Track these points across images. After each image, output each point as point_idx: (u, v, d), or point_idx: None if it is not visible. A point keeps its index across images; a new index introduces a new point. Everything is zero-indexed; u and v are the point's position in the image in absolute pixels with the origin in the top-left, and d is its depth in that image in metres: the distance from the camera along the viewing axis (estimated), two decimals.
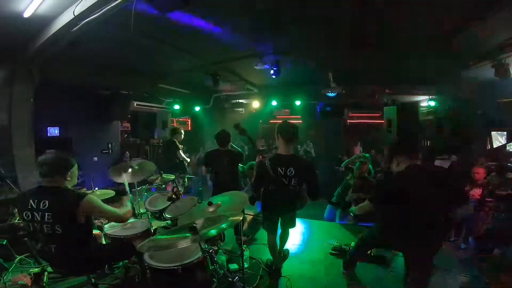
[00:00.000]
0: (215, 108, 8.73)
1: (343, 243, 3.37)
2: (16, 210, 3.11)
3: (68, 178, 2.03)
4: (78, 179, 2.26)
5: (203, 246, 1.91)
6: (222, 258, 2.86)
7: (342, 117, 9.06)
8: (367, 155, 5.45)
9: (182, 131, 5.78)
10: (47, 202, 1.88)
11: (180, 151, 5.48)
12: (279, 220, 2.80)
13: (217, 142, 3.66)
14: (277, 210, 2.71)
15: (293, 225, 2.87)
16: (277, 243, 2.87)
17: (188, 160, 5.74)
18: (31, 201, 1.90)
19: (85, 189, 3.85)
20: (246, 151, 7.06)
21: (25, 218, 1.92)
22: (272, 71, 4.81)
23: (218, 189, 3.57)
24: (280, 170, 2.44)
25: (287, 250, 3.12)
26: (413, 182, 2.03)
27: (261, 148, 7.59)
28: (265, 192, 2.65)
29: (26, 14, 2.75)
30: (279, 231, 2.83)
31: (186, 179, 5.17)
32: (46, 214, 1.87)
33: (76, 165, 2.12)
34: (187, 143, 9.98)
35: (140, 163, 3.40)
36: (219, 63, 5.18)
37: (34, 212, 1.89)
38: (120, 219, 2.23)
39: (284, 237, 2.92)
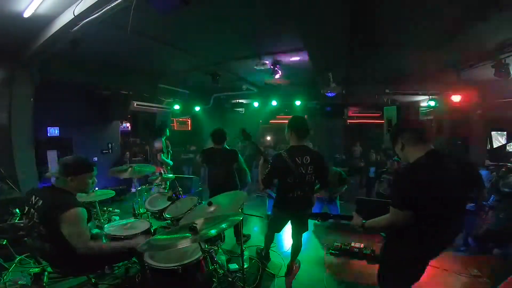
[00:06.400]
0: (215, 108, 8.73)
1: (343, 243, 3.37)
2: (17, 209, 3.14)
3: (71, 183, 1.98)
4: None
5: (203, 246, 1.91)
6: (222, 258, 2.86)
7: (342, 117, 9.06)
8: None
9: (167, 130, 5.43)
10: (41, 201, 1.90)
11: (161, 154, 5.12)
12: (289, 222, 2.78)
13: (212, 140, 3.55)
14: (292, 207, 2.64)
15: (306, 228, 2.79)
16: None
17: (171, 163, 5.30)
18: (33, 196, 1.95)
19: None
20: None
21: (24, 211, 1.96)
22: (272, 71, 4.81)
23: (213, 189, 3.58)
24: (297, 159, 2.47)
25: (299, 261, 3.06)
26: (440, 172, 1.60)
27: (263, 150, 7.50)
28: (280, 187, 2.63)
29: (26, 14, 2.75)
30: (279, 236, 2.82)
31: (167, 183, 4.51)
32: (36, 213, 1.89)
33: (91, 174, 2.07)
34: (187, 143, 10.01)
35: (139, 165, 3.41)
36: (219, 63, 5.19)
37: (31, 209, 1.92)
38: (79, 248, 1.83)
39: (297, 248, 2.85)
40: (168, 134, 5.45)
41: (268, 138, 10.09)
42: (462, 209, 1.77)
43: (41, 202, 1.89)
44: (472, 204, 3.66)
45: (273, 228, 2.93)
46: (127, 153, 6.66)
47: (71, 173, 1.98)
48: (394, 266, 1.78)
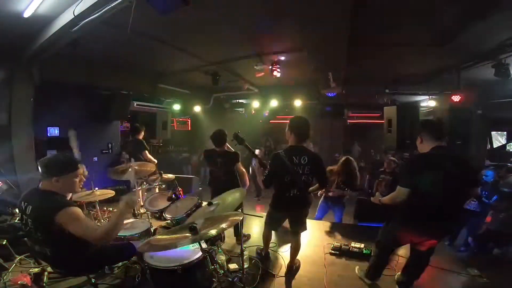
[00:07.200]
0: (215, 108, 8.73)
1: (343, 243, 3.37)
2: (17, 209, 3.13)
3: (56, 183, 1.87)
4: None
5: (203, 246, 1.91)
6: (222, 258, 2.86)
7: (342, 117, 9.06)
8: None
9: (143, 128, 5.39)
10: (30, 207, 1.82)
11: (146, 151, 5.04)
12: (286, 221, 2.80)
13: (213, 142, 3.48)
14: (288, 206, 2.67)
15: (304, 227, 2.80)
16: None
17: (155, 161, 5.06)
18: (22, 203, 1.87)
19: (84, 189, 3.84)
20: None
21: (20, 219, 1.91)
22: (272, 71, 4.81)
23: (214, 191, 3.57)
24: (295, 158, 2.50)
25: (299, 261, 3.03)
26: (441, 163, 2.04)
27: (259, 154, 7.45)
28: (277, 185, 2.65)
29: (26, 14, 2.75)
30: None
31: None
32: (29, 220, 1.82)
33: (76, 172, 1.95)
34: (187, 143, 10.02)
35: (139, 163, 3.40)
36: (219, 63, 5.18)
37: (23, 215, 1.86)
38: (95, 240, 1.77)
39: (296, 247, 2.85)
40: (142, 133, 5.34)
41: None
42: (456, 198, 2.12)
43: (30, 208, 1.82)
44: (475, 203, 3.67)
45: (270, 226, 2.95)
46: (123, 153, 6.62)
47: (55, 174, 1.87)
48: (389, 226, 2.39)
